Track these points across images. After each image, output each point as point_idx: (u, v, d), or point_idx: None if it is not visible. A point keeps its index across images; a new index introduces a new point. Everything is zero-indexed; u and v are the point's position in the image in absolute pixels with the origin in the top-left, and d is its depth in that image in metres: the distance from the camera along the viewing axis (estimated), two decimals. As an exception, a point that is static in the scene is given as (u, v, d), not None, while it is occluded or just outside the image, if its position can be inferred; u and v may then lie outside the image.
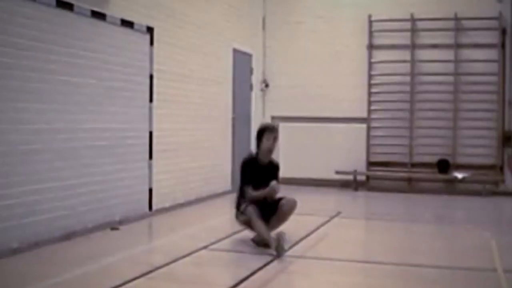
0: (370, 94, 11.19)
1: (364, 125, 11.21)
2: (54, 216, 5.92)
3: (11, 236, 5.38)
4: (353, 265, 5.51)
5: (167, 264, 5.17)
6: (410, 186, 10.98)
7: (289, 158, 11.41)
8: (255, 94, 11.26)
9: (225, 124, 10.07)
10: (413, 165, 10.96)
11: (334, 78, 11.36)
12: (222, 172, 9.94)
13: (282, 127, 11.46)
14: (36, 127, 5.70)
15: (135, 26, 7.25)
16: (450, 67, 10.77)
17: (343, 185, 11.11)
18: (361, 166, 11.13)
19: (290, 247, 5.85)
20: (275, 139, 6.08)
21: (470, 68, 10.70)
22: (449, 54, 10.77)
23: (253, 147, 10.64)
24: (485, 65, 10.59)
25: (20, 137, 5.51)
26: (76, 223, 6.24)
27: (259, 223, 5.78)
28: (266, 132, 6.08)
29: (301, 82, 11.51)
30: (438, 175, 10.71)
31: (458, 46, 10.71)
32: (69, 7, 6.10)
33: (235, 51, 10.35)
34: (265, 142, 6.05)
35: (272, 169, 6.10)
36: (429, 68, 10.88)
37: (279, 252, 5.46)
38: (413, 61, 10.95)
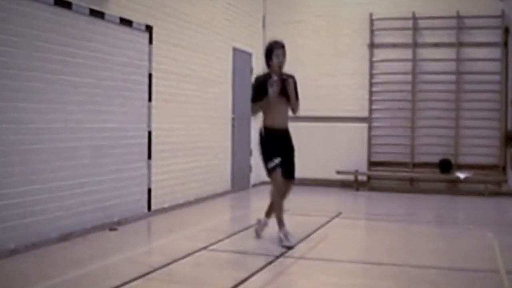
0: (371, 93, 11.20)
1: (365, 125, 11.22)
2: (52, 217, 5.93)
3: (8, 236, 5.38)
4: (354, 266, 5.51)
5: (166, 265, 5.18)
6: (411, 186, 10.98)
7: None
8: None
9: (225, 124, 10.07)
10: (415, 165, 10.96)
11: (335, 77, 11.37)
12: (222, 172, 9.94)
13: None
14: (34, 127, 5.71)
15: (134, 25, 7.26)
16: (452, 66, 10.77)
17: (344, 185, 11.12)
18: (362, 166, 11.14)
19: (290, 248, 5.87)
20: (284, 54, 6.15)
21: (472, 67, 10.70)
22: (451, 53, 10.78)
23: (253, 147, 10.67)
24: (487, 64, 10.59)
25: (18, 137, 5.52)
26: (75, 224, 6.24)
27: (280, 206, 6.04)
28: (275, 48, 6.13)
29: (302, 81, 11.33)
30: (440, 175, 10.71)
31: (460, 44, 10.71)
32: (68, 5, 6.11)
33: (235, 50, 10.36)
34: (275, 59, 6.09)
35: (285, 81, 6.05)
36: (431, 67, 10.88)
37: (288, 239, 5.82)
38: (414, 60, 10.96)
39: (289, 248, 5.82)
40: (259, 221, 6.39)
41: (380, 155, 11.14)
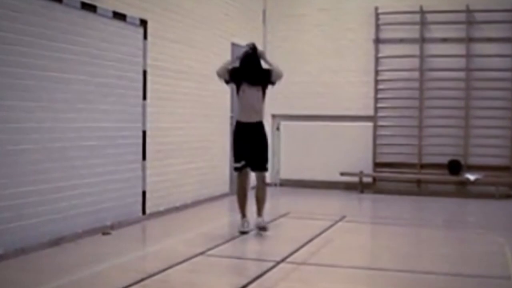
0: (376, 91, 11.19)
1: (370, 124, 11.21)
2: (42, 221, 5.92)
3: (-4, 241, 5.38)
4: (358, 272, 5.50)
5: (162, 271, 5.17)
6: (419, 188, 10.98)
7: (291, 158, 11.43)
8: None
9: (223, 123, 10.07)
10: (422, 166, 10.96)
11: (339, 74, 11.37)
12: (220, 173, 9.94)
13: (284, 126, 11.49)
14: (23, 126, 5.70)
15: (128, 19, 7.25)
16: (461, 63, 10.77)
17: (348, 187, 11.12)
18: (367, 167, 11.14)
19: (291, 254, 5.86)
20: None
21: (482, 63, 10.70)
22: (460, 49, 10.77)
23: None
24: (498, 60, 10.59)
25: (6, 136, 5.51)
26: (65, 228, 6.23)
27: (238, 198, 7.01)
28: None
29: (304, 78, 11.51)
30: (449, 176, 10.71)
31: (470, 40, 10.71)
32: (58, -1, 6.10)
33: (234, 45, 10.35)
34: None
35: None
36: (439, 64, 10.88)
37: (243, 226, 6.82)
38: (422, 56, 10.95)
39: (243, 233, 6.80)
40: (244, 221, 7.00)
41: (386, 156, 11.14)
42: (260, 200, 7.00)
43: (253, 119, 6.85)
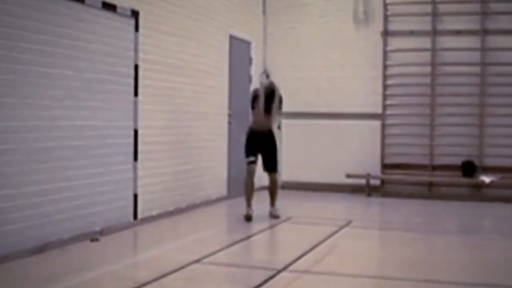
0: (385, 87, 11.20)
1: (378, 122, 11.22)
2: (26, 226, 5.92)
3: (-23, 248, 5.38)
4: (365, 281, 5.50)
5: (155, 279, 5.17)
6: (430, 191, 10.99)
7: (294, 159, 11.43)
8: (255, 87, 11.25)
9: (221, 121, 10.08)
10: (434, 167, 10.97)
11: (344, 69, 11.37)
12: (217, 175, 9.95)
13: (286, 125, 11.48)
14: (5, 125, 5.70)
15: (118, 10, 7.26)
16: (476, 56, 10.77)
17: (355, 190, 11.13)
18: (375, 168, 11.14)
19: (294, 261, 5.86)
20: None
21: (498, 57, 10.70)
22: (475, 42, 10.78)
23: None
24: (515, 54, 10.59)
25: (-13, 136, 5.51)
26: (51, 234, 6.24)
27: (245, 188, 8.43)
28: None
29: (307, 73, 11.52)
30: (463, 179, 10.72)
31: (485, 32, 10.71)
32: (43, -12, 6.11)
33: (232, 38, 10.36)
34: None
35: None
36: (452, 58, 10.88)
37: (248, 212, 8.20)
38: (434, 50, 10.96)
39: (247, 218, 8.13)
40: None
41: (395, 157, 11.15)
42: (272, 192, 8.52)
43: (264, 128, 8.40)
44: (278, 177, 8.67)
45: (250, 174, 8.39)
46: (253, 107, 8.55)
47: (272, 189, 8.56)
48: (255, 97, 8.51)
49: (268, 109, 8.37)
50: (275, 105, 8.37)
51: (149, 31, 7.89)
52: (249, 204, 8.32)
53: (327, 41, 11.49)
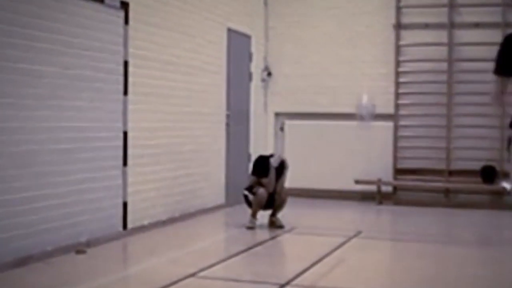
0: (397, 85, 11.22)
1: (390, 124, 11.24)
2: (6, 237, 5.93)
3: (-48, 261, 5.40)
4: (376, 297, 5.53)
5: (146, 295, 5.19)
6: (447, 199, 11.00)
7: (298, 164, 11.40)
8: (255, 85, 11.29)
9: (218, 122, 10.09)
10: (451, 173, 10.98)
11: (353, 65, 11.40)
12: (214, 181, 9.96)
13: (288, 126, 11.51)
14: (-17, 126, 5.72)
15: (106, 1, 7.27)
16: (496, 52, 10.76)
17: (364, 197, 11.14)
18: (387, 174, 11.16)
19: (298, 275, 5.87)
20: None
21: (521, 52, 10.71)
22: (495, 35, 10.75)
23: (252, 150, 10.69)
24: (540, 49, 10.59)
25: (-36, 138, 5.54)
26: (34, 245, 6.25)
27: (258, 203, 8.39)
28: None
29: (312, 70, 11.54)
30: (482, 185, 10.73)
31: (506, 25, 10.73)
32: (25, -23, 6.13)
33: (231, 32, 10.38)
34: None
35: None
36: (471, 53, 10.91)
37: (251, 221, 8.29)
38: (451, 44, 10.99)
39: (249, 228, 8.21)
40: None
41: (408, 161, 11.16)
42: (279, 205, 8.47)
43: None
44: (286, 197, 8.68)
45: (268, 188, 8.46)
46: (254, 173, 8.64)
47: (279, 204, 8.52)
48: (262, 167, 8.58)
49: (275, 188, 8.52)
50: (282, 181, 8.55)
51: (140, 24, 7.91)
52: (255, 216, 8.36)
53: (334, 35, 11.52)
